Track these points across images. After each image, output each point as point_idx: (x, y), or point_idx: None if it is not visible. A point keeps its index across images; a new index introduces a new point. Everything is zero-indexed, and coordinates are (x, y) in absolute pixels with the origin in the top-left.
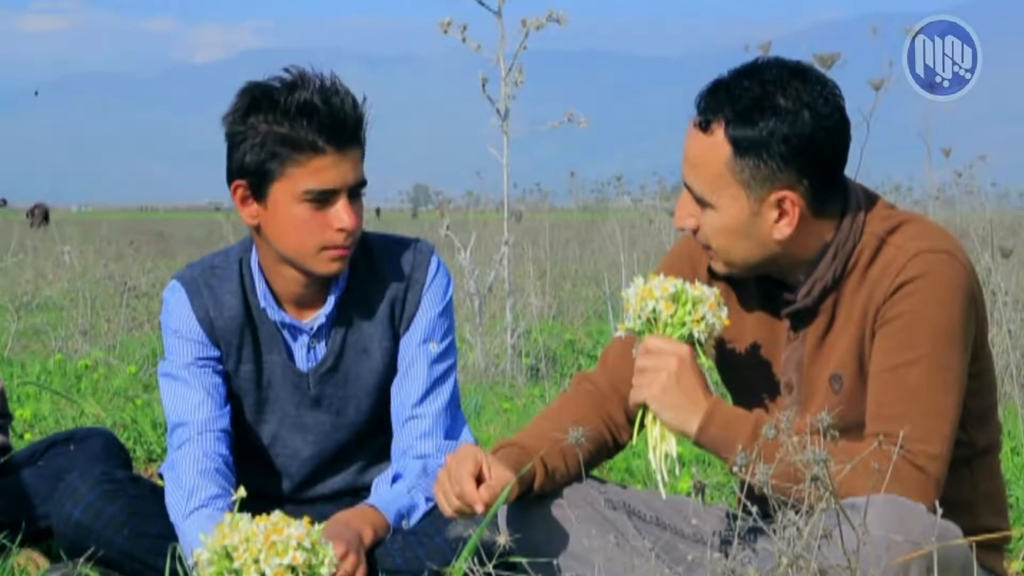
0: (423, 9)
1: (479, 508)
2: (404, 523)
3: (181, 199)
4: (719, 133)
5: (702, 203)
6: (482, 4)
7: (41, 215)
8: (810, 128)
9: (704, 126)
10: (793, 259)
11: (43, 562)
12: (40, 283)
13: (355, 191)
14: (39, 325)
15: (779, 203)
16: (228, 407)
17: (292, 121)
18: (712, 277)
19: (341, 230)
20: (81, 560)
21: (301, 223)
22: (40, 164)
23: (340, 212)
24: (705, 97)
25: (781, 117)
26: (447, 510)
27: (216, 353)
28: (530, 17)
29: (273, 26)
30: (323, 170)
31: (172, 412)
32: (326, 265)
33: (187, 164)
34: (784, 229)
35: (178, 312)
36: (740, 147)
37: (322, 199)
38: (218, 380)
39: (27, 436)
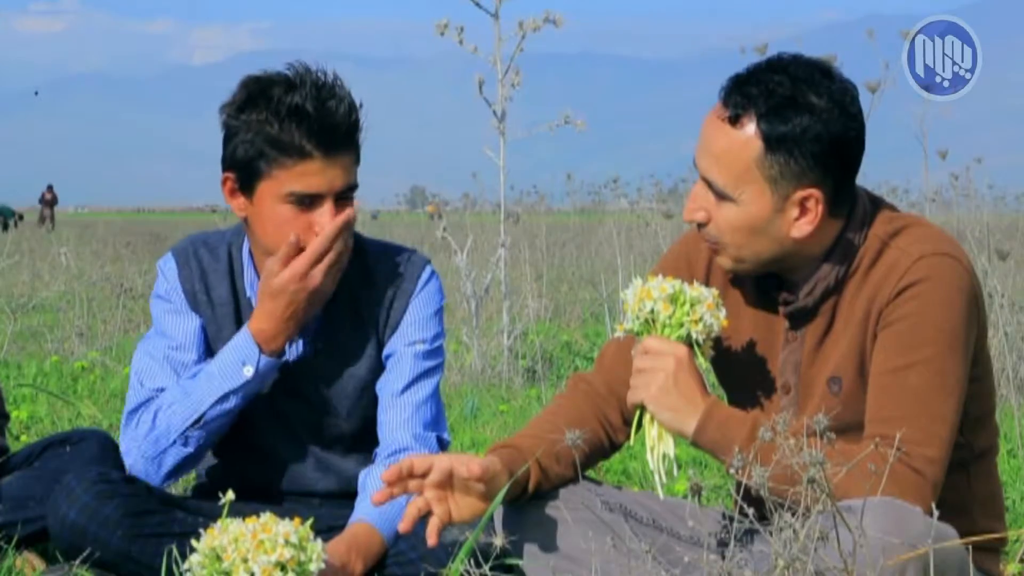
0: (420, 11)
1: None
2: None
3: (178, 201)
4: (750, 127)
5: (722, 197)
6: (479, 6)
7: (52, 199)
8: (841, 127)
9: (734, 120)
10: (802, 258)
11: (40, 564)
12: (37, 285)
13: (343, 195)
14: (36, 327)
15: (803, 201)
16: None
17: (282, 123)
18: (709, 277)
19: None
20: (77, 562)
21: (283, 223)
22: (37, 165)
23: (324, 216)
24: (734, 90)
25: (815, 115)
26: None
27: (198, 321)
28: (527, 19)
29: (270, 28)
30: (308, 175)
31: (136, 385)
32: None
33: (184, 166)
34: (804, 227)
35: (166, 280)
36: (772, 143)
37: (306, 202)
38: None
39: (23, 438)
